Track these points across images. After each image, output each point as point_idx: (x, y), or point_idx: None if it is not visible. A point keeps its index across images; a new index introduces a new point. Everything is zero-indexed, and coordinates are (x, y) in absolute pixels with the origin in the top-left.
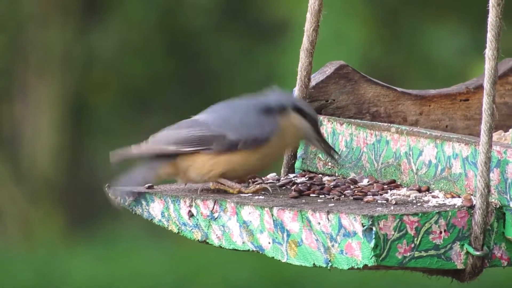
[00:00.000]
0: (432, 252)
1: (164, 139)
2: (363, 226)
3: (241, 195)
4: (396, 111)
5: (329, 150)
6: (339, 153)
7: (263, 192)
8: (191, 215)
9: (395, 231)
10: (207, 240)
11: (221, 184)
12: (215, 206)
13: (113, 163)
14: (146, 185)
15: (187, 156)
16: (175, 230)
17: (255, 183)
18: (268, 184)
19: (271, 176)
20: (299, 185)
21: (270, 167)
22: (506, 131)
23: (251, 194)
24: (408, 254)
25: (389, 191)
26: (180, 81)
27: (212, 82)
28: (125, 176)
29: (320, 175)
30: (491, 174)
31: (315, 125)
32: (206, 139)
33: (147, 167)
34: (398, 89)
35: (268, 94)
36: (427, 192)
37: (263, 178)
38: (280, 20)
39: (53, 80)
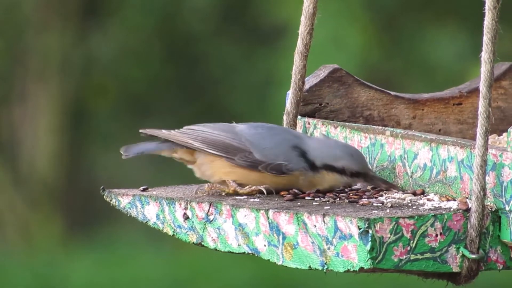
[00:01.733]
0: (428, 255)
1: (194, 134)
2: (359, 229)
3: (237, 197)
4: (389, 114)
5: (382, 185)
6: (393, 183)
7: (257, 195)
8: (186, 217)
9: (391, 234)
10: (202, 243)
11: (219, 184)
12: (211, 209)
13: (141, 134)
14: (141, 188)
15: (208, 156)
16: (170, 233)
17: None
18: (263, 187)
19: None
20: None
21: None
22: (499, 135)
23: (246, 196)
24: (404, 257)
25: (384, 194)
26: (179, 86)
27: (211, 87)
28: (141, 143)
29: None
30: (486, 177)
31: (356, 174)
32: (232, 148)
33: (167, 143)
34: (392, 92)
35: (312, 139)
36: (422, 195)
37: None
38: (278, 24)
39: (52, 85)
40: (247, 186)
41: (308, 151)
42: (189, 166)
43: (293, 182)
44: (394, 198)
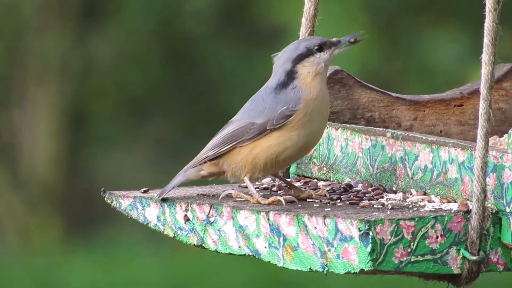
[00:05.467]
0: (428, 256)
1: (205, 148)
2: (360, 231)
3: (237, 199)
4: (390, 116)
5: (351, 40)
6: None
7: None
8: (187, 219)
9: (391, 236)
10: (203, 245)
11: (242, 194)
12: (211, 211)
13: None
14: (142, 190)
15: (227, 156)
16: (171, 235)
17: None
18: (283, 197)
19: (266, 181)
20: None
21: (317, 140)
22: (500, 136)
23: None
24: (405, 258)
25: (384, 195)
26: (179, 88)
27: (210, 89)
28: (172, 181)
29: (315, 180)
30: (487, 179)
31: (321, 46)
32: (237, 133)
33: (191, 169)
34: (393, 94)
35: (274, 68)
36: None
37: (292, 184)
38: (278, 26)
39: (51, 88)
40: (271, 197)
41: (281, 72)
42: (228, 178)
43: (311, 112)
44: (395, 199)
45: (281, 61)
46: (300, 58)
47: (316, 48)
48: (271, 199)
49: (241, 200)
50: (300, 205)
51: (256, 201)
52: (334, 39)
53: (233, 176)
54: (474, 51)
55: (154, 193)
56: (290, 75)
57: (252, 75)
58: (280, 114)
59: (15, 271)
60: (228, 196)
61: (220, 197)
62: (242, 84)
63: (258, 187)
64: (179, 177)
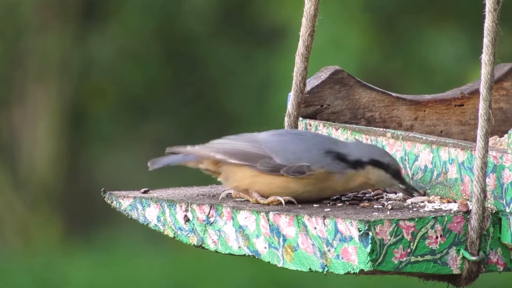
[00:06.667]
0: (428, 257)
1: (215, 147)
2: (360, 231)
3: (237, 199)
4: (391, 116)
5: (409, 191)
6: (416, 189)
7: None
8: (187, 219)
9: (391, 236)
10: (203, 245)
11: (243, 193)
12: (211, 211)
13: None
14: (142, 190)
15: (231, 165)
16: (171, 235)
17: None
18: (283, 198)
19: None
20: None
21: (319, 198)
22: (501, 136)
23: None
24: (404, 259)
25: (384, 196)
26: (178, 87)
27: (210, 88)
28: (168, 156)
29: None
30: (487, 179)
31: (396, 174)
32: (252, 156)
33: (193, 156)
34: (393, 94)
35: (347, 143)
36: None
37: None
38: (278, 26)
39: (51, 87)
40: (270, 197)
41: (349, 151)
42: (218, 179)
43: (325, 183)
44: (395, 200)
45: (363, 148)
46: (378, 165)
47: (392, 172)
48: (271, 198)
49: (241, 200)
50: (299, 206)
51: (255, 201)
52: (405, 180)
53: (225, 182)
54: (473, 51)
55: (155, 194)
56: (358, 164)
57: (252, 75)
58: (299, 167)
59: (15, 270)
60: (228, 196)
61: (220, 197)
62: (242, 84)
63: None
64: (179, 157)
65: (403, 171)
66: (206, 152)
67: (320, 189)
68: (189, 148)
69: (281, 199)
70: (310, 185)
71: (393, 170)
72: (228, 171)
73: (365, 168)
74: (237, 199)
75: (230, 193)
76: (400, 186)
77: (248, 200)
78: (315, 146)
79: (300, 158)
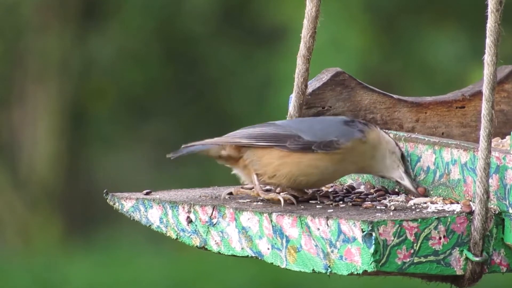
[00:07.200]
0: (431, 258)
1: (238, 133)
2: (363, 232)
3: (240, 200)
4: (392, 118)
5: (411, 184)
6: (416, 180)
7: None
8: (189, 221)
9: (394, 237)
10: (206, 246)
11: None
12: (214, 212)
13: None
14: (144, 191)
15: (257, 149)
16: (174, 236)
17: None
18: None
19: None
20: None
21: (337, 179)
22: (503, 138)
23: (249, 200)
24: (408, 259)
25: (387, 197)
26: (179, 88)
27: (210, 89)
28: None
29: None
30: (490, 180)
31: (401, 156)
32: (280, 136)
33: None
34: (395, 96)
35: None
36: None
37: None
38: (278, 26)
39: (51, 87)
40: (271, 193)
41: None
42: (234, 171)
43: (350, 155)
44: (398, 201)
45: None
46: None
47: (398, 150)
48: (272, 195)
49: (244, 202)
50: (302, 207)
51: (256, 194)
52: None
53: (245, 168)
54: (473, 51)
55: (157, 195)
56: (367, 123)
57: (252, 75)
58: (329, 142)
59: (15, 270)
60: (229, 195)
61: (222, 197)
62: (242, 84)
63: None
64: (200, 146)
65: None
66: (231, 139)
67: (350, 162)
68: (207, 140)
69: (281, 198)
70: (339, 161)
71: (399, 149)
72: (253, 157)
73: (377, 127)
74: (240, 200)
75: (231, 193)
76: (402, 170)
77: (250, 200)
78: (334, 121)
79: (328, 133)
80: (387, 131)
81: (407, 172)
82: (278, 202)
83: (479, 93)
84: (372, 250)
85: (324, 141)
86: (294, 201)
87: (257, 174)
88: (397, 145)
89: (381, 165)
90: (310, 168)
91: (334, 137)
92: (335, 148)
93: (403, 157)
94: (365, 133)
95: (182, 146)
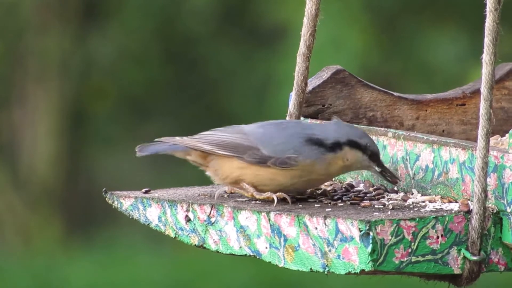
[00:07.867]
0: (429, 257)
1: (204, 138)
2: (360, 231)
3: (238, 199)
4: (392, 115)
5: (387, 176)
6: (397, 176)
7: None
8: (188, 219)
9: (392, 236)
10: (204, 245)
11: (238, 188)
12: (212, 211)
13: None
14: (143, 190)
15: (220, 157)
16: (172, 235)
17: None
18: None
19: None
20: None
21: (307, 189)
22: (503, 135)
23: (247, 199)
24: (405, 259)
25: (385, 195)
26: (178, 88)
27: (210, 88)
28: (156, 143)
29: None
30: (488, 179)
31: (374, 156)
32: (241, 147)
33: (181, 146)
34: (395, 93)
35: (326, 125)
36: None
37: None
38: (278, 26)
39: (51, 87)
40: (265, 193)
41: (327, 135)
42: (207, 173)
43: (309, 172)
44: (396, 200)
45: (341, 129)
46: (356, 146)
47: (370, 153)
48: (266, 194)
49: (242, 201)
50: (300, 206)
51: (251, 195)
52: (383, 163)
53: (214, 175)
54: (473, 51)
55: (156, 194)
56: (336, 146)
57: (252, 74)
58: (285, 159)
59: (15, 270)
60: (225, 195)
61: (215, 196)
62: (242, 84)
63: None
64: (167, 146)
65: (381, 155)
66: (194, 143)
67: (308, 181)
68: (177, 139)
69: (275, 197)
70: (296, 177)
71: (371, 151)
72: (216, 163)
73: (343, 149)
74: (238, 199)
75: (225, 190)
76: (377, 168)
77: (249, 200)
78: (297, 135)
79: (285, 149)
80: (359, 142)
81: (380, 167)
82: (273, 201)
83: (479, 90)
84: (369, 249)
85: (281, 158)
86: (288, 199)
87: (222, 179)
88: (366, 148)
89: (352, 169)
90: (268, 180)
91: (292, 153)
92: (291, 165)
93: (376, 155)
94: (327, 159)
95: (155, 140)
